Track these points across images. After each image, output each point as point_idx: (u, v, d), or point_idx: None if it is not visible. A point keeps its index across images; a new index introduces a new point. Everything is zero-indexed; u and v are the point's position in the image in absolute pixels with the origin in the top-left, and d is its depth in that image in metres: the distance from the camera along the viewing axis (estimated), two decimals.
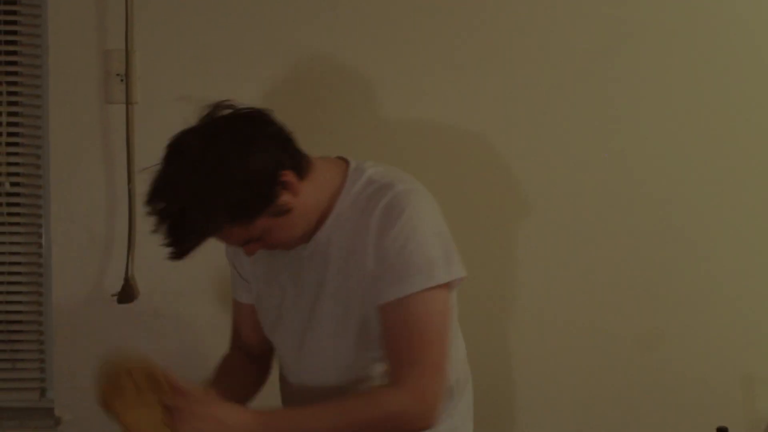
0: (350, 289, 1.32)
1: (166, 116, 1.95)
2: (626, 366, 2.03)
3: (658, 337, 2.03)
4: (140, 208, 1.95)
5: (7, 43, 1.99)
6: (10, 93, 2.00)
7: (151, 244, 1.95)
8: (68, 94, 1.96)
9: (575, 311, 2.02)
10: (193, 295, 1.99)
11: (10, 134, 2.01)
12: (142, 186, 1.95)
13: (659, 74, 1.98)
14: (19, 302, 2.04)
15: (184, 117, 1.94)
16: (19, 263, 2.03)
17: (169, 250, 1.23)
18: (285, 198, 1.25)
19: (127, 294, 1.95)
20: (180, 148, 1.25)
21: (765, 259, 2.04)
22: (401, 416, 1.24)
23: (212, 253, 1.90)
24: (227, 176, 1.20)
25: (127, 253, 1.96)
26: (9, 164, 2.01)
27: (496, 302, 2.02)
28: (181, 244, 1.22)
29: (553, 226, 2.01)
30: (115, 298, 1.94)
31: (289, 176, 1.25)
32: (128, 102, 1.94)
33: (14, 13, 1.99)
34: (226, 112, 1.29)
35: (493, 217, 2.02)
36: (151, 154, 1.95)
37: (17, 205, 2.03)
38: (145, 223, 1.94)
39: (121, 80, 1.93)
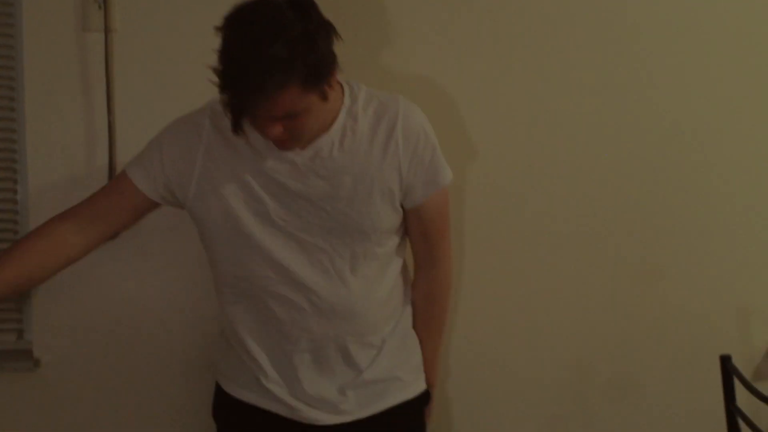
0: (373, 194, 1.47)
1: (146, 45, 1.90)
2: (626, 303, 2.03)
3: (656, 274, 2.02)
4: (121, 141, 1.91)
5: None
6: None
7: None
8: (43, 22, 1.87)
9: (573, 249, 2.01)
10: (178, 233, 1.92)
11: None
12: (123, 118, 1.92)
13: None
14: None
15: (166, 46, 1.90)
16: None
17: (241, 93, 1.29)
18: (329, 86, 1.36)
19: None
20: (269, 8, 1.30)
21: (761, 195, 2.03)
22: (449, 287, 1.67)
23: None
24: (320, 40, 1.31)
25: None
26: None
27: (503, 233, 2.00)
28: (262, 85, 1.26)
29: (551, 163, 1.98)
30: None
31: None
32: (107, 30, 1.86)
33: None
34: None
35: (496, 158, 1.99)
36: (131, 85, 1.92)
37: None
38: (127, 156, 1.91)
39: (99, 7, 1.85)
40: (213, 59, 1.86)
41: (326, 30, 1.33)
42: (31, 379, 1.92)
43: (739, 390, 1.66)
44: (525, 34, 1.96)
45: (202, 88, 1.86)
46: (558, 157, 1.98)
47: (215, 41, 1.86)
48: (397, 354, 1.59)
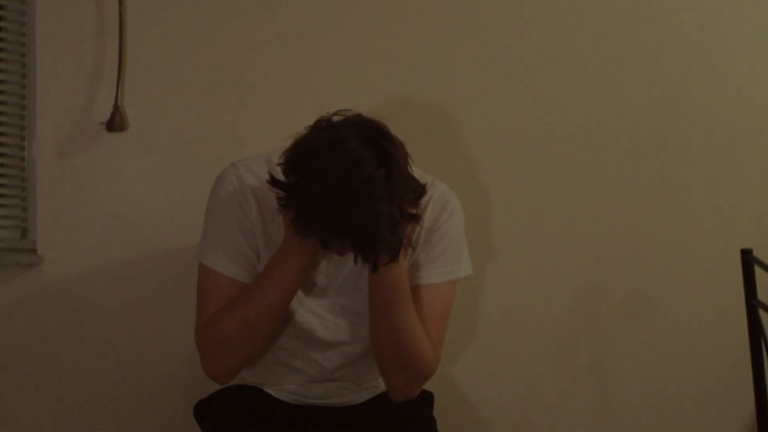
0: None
1: None
2: (641, 220, 2.02)
3: (674, 188, 2.01)
4: (132, 32, 1.87)
5: None
6: None
7: (143, 74, 1.89)
8: None
9: (587, 166, 2.00)
10: (184, 129, 1.90)
11: None
12: (134, 8, 1.88)
13: None
14: (1, 134, 1.91)
15: None
16: (1, 92, 1.91)
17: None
18: None
19: (116, 121, 1.84)
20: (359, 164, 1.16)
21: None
22: (426, 356, 1.36)
23: (203, 87, 1.81)
24: (409, 178, 1.23)
25: (117, 80, 1.85)
26: None
27: (517, 147, 1.97)
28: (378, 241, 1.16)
29: (568, 81, 1.98)
30: (104, 126, 1.84)
31: None
32: None
33: None
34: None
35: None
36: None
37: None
38: (136, 48, 1.88)
39: None
40: None
41: (406, 158, 1.23)
42: (34, 274, 1.87)
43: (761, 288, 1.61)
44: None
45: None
46: (577, 76, 1.97)
47: None
48: None
